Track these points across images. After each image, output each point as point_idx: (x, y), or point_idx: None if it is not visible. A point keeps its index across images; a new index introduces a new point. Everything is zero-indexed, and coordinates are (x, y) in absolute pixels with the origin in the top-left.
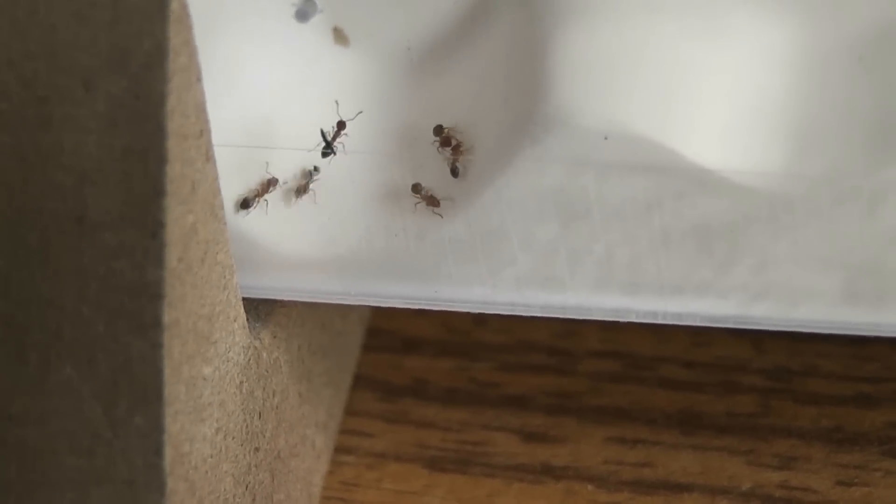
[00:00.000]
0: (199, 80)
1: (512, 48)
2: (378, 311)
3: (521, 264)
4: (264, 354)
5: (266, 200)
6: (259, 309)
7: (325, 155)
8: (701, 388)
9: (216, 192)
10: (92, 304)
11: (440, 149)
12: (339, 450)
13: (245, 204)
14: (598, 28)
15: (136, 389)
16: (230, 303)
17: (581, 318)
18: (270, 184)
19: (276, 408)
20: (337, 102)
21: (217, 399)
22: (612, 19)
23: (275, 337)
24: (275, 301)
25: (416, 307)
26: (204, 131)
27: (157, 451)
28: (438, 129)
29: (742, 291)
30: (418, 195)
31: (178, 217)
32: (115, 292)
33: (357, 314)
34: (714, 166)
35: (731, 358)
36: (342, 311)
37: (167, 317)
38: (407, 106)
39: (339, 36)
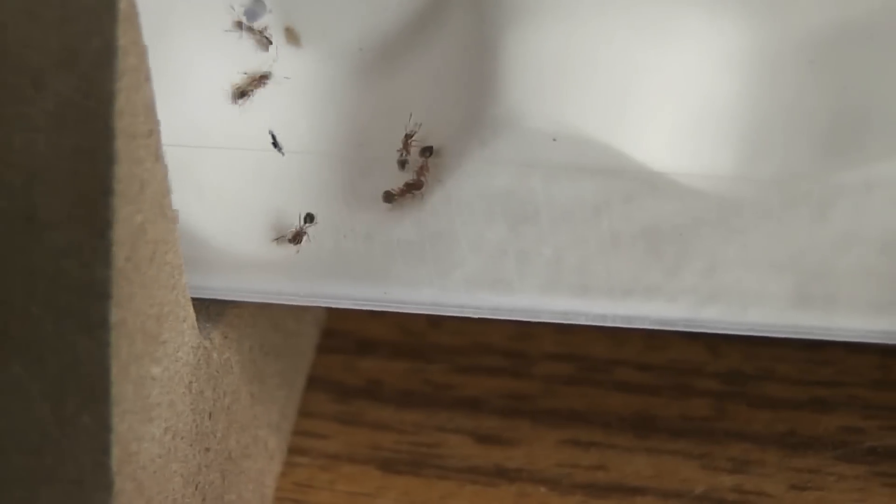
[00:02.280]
0: (148, 79)
1: (463, 49)
2: (333, 313)
3: (470, 266)
4: (215, 355)
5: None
6: (210, 309)
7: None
8: (655, 391)
9: (166, 191)
10: (40, 302)
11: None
12: (293, 451)
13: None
14: (548, 30)
15: (84, 389)
16: (179, 303)
17: (531, 320)
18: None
19: (228, 408)
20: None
21: (166, 399)
22: (562, 21)
23: (225, 337)
24: (226, 301)
25: (366, 308)
26: (153, 131)
27: (105, 451)
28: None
29: (692, 294)
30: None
31: (126, 216)
32: (63, 291)
33: (311, 315)
34: (663, 169)
35: (686, 361)
36: (295, 311)
37: (114, 316)
38: (358, 106)
39: (291, 35)
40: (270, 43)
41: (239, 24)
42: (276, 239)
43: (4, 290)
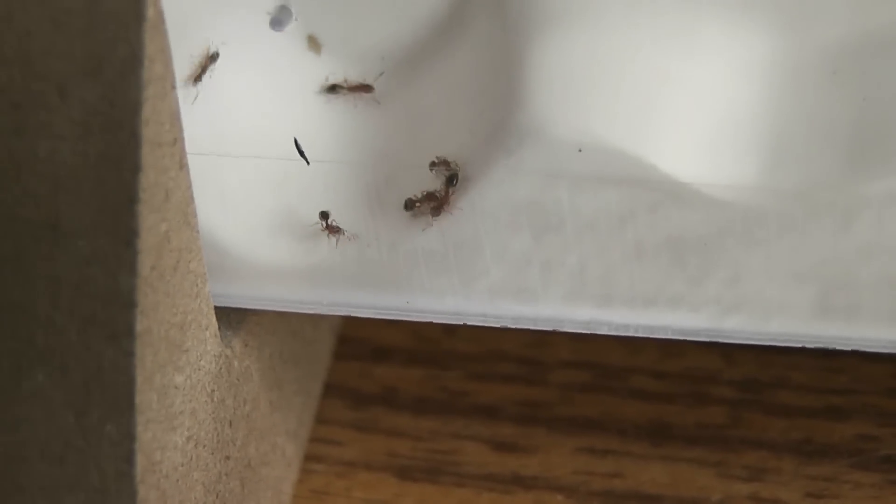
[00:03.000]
0: (173, 87)
1: (486, 58)
2: (348, 320)
3: (494, 275)
4: (235, 363)
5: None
6: (230, 317)
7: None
8: (671, 398)
9: (189, 200)
10: (65, 311)
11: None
12: (309, 458)
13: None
14: (573, 40)
15: (108, 398)
16: (202, 311)
17: (553, 329)
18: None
19: (247, 416)
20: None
21: (188, 408)
22: (587, 31)
23: (246, 345)
24: (246, 309)
25: (388, 317)
26: (178, 139)
27: (129, 460)
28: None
29: (715, 304)
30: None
31: (151, 225)
32: (87, 300)
33: (328, 322)
34: (688, 179)
35: (701, 369)
36: (313, 319)
37: (139, 325)
38: (380, 114)
39: (313, 44)
40: None
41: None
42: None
43: (28, 298)
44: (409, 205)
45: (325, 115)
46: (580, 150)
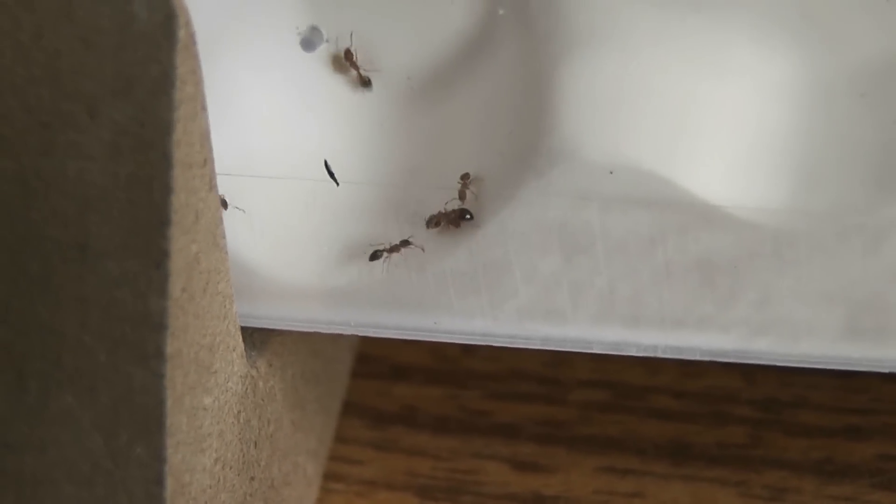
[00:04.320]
0: (204, 108)
1: (515, 80)
2: (367, 338)
3: (523, 296)
4: (260, 383)
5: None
6: (254, 337)
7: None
8: (691, 418)
9: (218, 221)
10: (94, 332)
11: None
12: (329, 477)
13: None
14: (602, 62)
15: (138, 420)
16: (230, 332)
17: (581, 350)
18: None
19: (271, 436)
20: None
21: (216, 429)
22: (616, 53)
23: (270, 365)
24: (270, 329)
25: (416, 339)
26: (208, 160)
27: (159, 482)
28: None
29: (744, 326)
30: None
31: (181, 247)
32: (117, 322)
33: (347, 341)
34: (718, 201)
35: (721, 388)
36: (333, 338)
37: (170, 347)
38: (408, 135)
39: (339, 65)
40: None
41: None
42: (373, 254)
43: (57, 319)
44: (433, 221)
45: (354, 136)
46: (611, 172)
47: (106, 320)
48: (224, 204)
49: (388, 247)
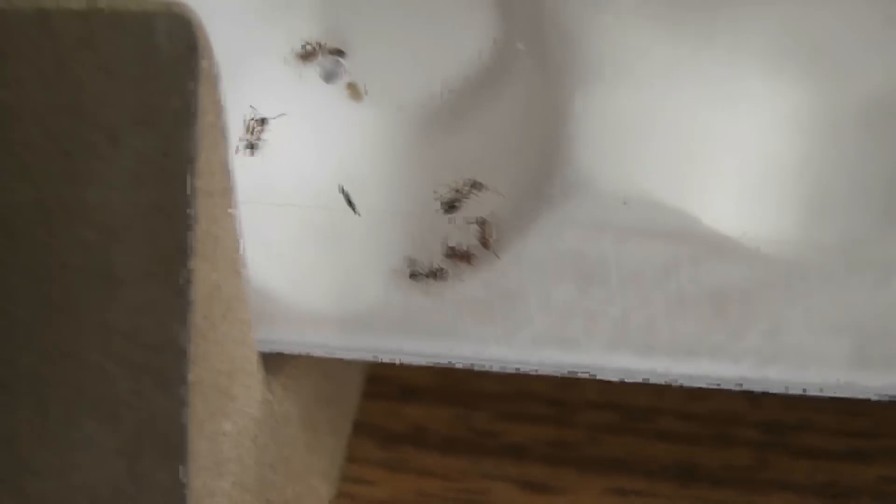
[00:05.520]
0: (225, 137)
1: (530, 109)
2: None
3: (538, 324)
4: (276, 407)
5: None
6: (269, 361)
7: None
8: (697, 440)
9: (237, 248)
10: (116, 359)
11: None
12: (341, 496)
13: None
14: (616, 94)
15: (160, 445)
16: (248, 358)
17: (594, 377)
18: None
19: (286, 459)
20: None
21: (235, 454)
22: (630, 85)
23: (286, 389)
24: (286, 353)
25: (431, 364)
26: (228, 189)
27: None
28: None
29: (754, 355)
30: (453, 258)
31: (203, 275)
32: (139, 349)
33: (358, 363)
34: (730, 232)
35: (726, 411)
36: (345, 360)
37: (192, 374)
38: (423, 163)
39: (354, 91)
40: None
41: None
42: (412, 275)
43: (79, 346)
44: (451, 252)
45: (369, 164)
46: (625, 203)
47: (129, 347)
48: None
49: (426, 272)
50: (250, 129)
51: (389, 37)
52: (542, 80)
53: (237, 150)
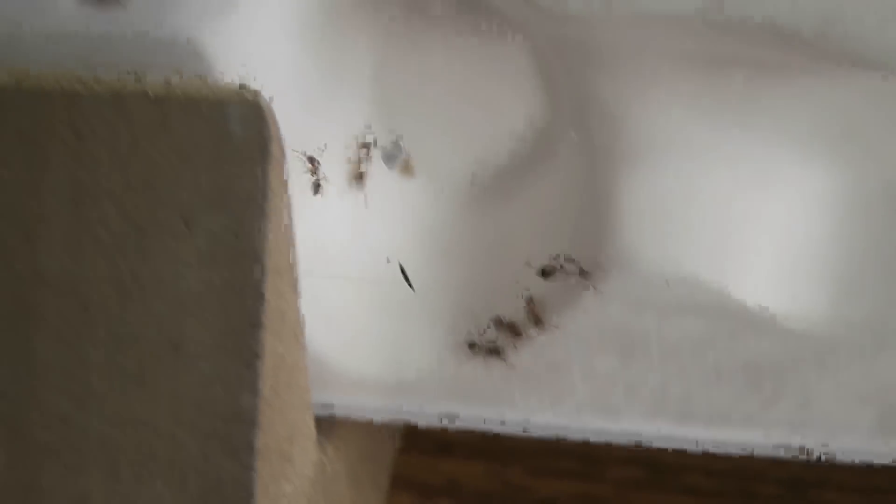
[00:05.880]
0: (290, 217)
1: (575, 188)
2: None
3: (581, 393)
4: (328, 467)
5: None
6: (322, 423)
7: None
8: (722, 495)
9: (299, 319)
10: (186, 426)
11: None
12: None
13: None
14: (658, 176)
15: None
16: (306, 422)
17: (631, 442)
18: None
19: None
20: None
21: None
22: (671, 168)
23: (336, 449)
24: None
25: (476, 429)
26: (292, 265)
27: None
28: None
29: (785, 425)
30: (501, 329)
31: (271, 348)
32: (209, 417)
33: None
34: (766, 310)
35: (749, 468)
36: None
37: (259, 441)
38: (471, 238)
39: (405, 167)
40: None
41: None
42: (471, 346)
43: (151, 413)
44: (471, 347)
45: (418, 239)
46: (667, 282)
47: (198, 415)
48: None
49: (486, 345)
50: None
51: (440, 116)
52: (586, 161)
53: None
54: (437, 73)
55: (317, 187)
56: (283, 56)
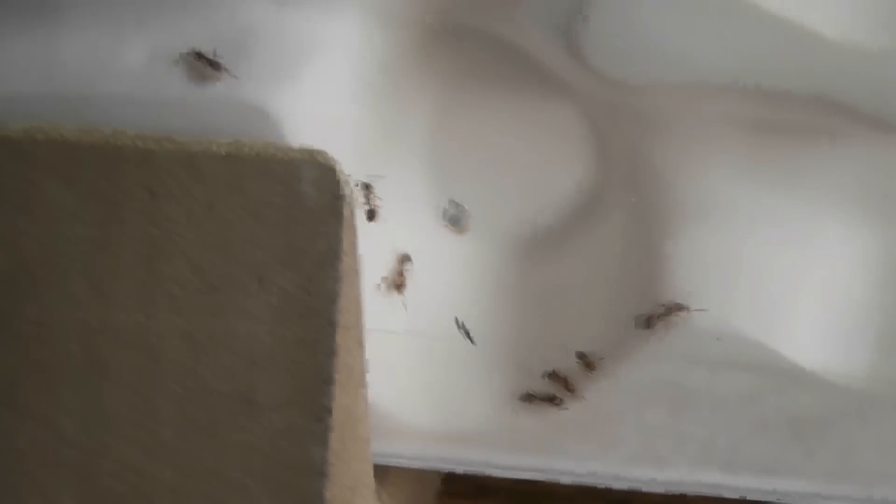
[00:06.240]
0: (358, 275)
1: (625, 247)
2: None
3: (631, 444)
4: None
5: None
6: (376, 469)
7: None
8: None
9: (364, 372)
10: (257, 478)
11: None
12: None
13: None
14: (707, 236)
15: None
16: (367, 472)
17: (677, 492)
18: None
19: None
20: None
21: None
22: (719, 228)
23: (391, 497)
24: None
25: (527, 478)
26: (359, 321)
27: None
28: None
29: (827, 475)
30: (555, 380)
31: (339, 402)
32: (279, 468)
33: None
34: (810, 365)
35: None
36: None
37: (328, 492)
38: (522, 294)
39: (458, 225)
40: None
41: None
42: (526, 397)
43: (221, 464)
44: (528, 398)
45: (471, 296)
46: (718, 339)
47: (269, 467)
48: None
49: (542, 396)
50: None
51: (492, 175)
52: (636, 220)
53: None
54: (490, 134)
55: (371, 214)
56: (345, 117)
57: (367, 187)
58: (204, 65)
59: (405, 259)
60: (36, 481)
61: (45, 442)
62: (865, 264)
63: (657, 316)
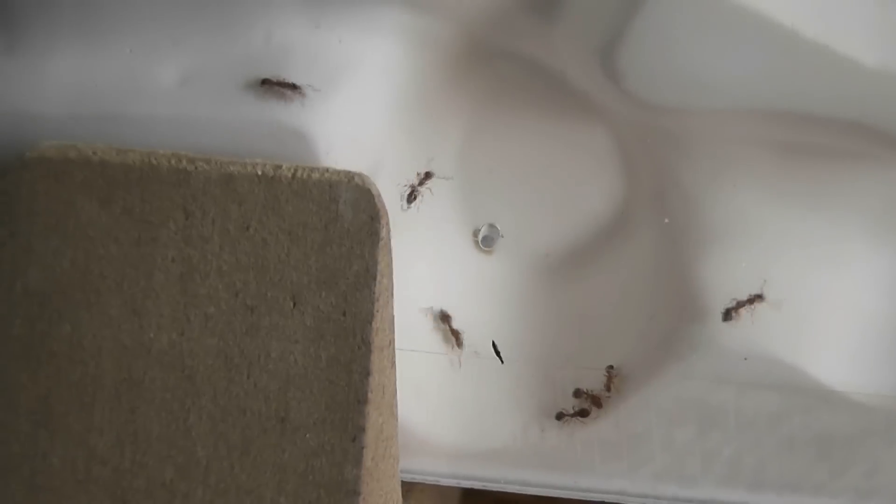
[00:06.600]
0: (392, 296)
1: (654, 267)
2: None
3: (659, 462)
4: None
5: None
6: (404, 487)
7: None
8: None
9: (395, 392)
10: (290, 496)
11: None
12: None
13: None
14: (735, 257)
15: None
16: (396, 489)
17: None
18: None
19: None
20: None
21: None
22: (747, 249)
23: None
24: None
25: (554, 495)
26: (392, 341)
27: None
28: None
29: (852, 492)
30: (582, 397)
31: (372, 421)
32: (313, 487)
33: None
34: (837, 385)
35: None
36: None
37: None
38: (550, 313)
39: (488, 247)
40: None
41: None
42: (558, 416)
43: (255, 483)
44: (578, 393)
45: (500, 314)
46: (745, 359)
47: (302, 485)
48: None
49: (572, 412)
50: None
51: (523, 194)
52: (665, 240)
53: None
54: (521, 154)
55: (411, 197)
56: (378, 137)
57: (427, 175)
58: (279, 88)
59: (446, 317)
60: (69, 499)
61: (78, 460)
62: (892, 285)
63: (737, 306)
